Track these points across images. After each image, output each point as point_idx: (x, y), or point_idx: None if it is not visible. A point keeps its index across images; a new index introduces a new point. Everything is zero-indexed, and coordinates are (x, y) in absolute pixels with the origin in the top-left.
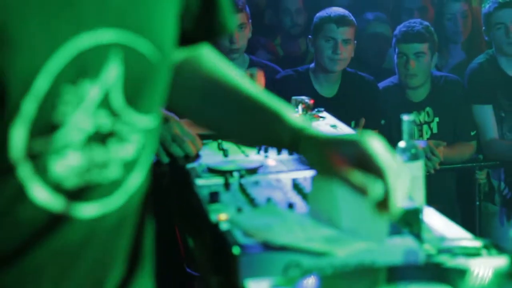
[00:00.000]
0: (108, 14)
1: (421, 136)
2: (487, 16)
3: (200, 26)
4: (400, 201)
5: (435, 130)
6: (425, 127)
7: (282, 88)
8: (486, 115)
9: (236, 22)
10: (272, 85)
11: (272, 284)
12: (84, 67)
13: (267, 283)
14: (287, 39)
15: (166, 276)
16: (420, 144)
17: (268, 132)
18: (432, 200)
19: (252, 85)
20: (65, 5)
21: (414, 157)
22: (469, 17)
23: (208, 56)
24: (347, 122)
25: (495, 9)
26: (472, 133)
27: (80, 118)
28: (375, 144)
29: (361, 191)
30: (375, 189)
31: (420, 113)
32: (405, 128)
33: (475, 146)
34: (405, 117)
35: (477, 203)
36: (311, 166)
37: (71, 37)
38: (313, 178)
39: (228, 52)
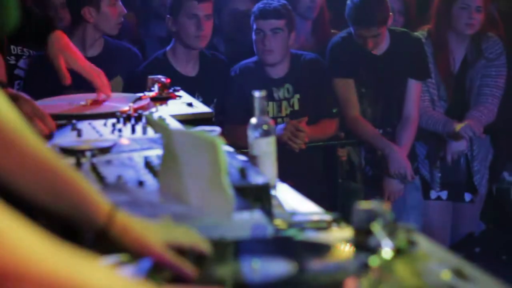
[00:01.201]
0: None
1: (280, 112)
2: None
3: None
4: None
5: (296, 107)
6: (284, 103)
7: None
8: (348, 89)
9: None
10: (132, 78)
11: (117, 261)
12: None
13: (113, 260)
14: (154, 19)
15: None
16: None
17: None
18: (299, 177)
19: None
20: None
21: (265, 133)
22: None
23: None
24: (211, 100)
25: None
26: (334, 111)
27: None
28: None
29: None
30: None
31: (280, 89)
32: (257, 104)
33: (338, 123)
34: (256, 93)
35: (339, 180)
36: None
37: None
38: (162, 156)
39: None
